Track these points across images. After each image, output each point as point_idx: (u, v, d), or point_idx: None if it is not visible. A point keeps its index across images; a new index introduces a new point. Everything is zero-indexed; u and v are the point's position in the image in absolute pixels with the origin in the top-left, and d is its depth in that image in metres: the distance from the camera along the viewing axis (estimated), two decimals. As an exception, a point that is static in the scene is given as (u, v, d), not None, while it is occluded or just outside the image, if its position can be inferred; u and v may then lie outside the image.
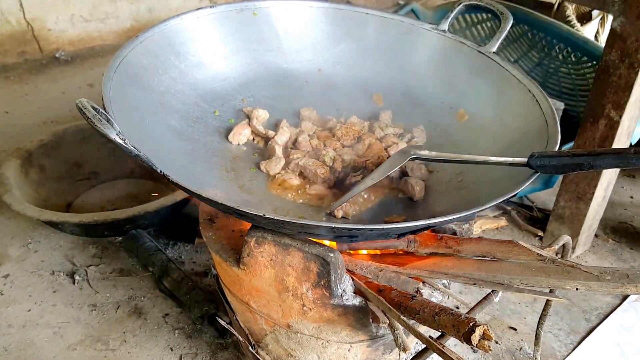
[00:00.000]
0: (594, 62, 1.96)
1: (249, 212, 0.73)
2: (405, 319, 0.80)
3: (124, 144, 0.71)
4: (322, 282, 0.87)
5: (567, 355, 1.42)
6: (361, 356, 1.04)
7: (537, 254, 0.86)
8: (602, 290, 0.77)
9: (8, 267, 1.61)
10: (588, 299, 1.60)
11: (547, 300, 1.24)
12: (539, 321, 1.31)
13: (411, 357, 0.97)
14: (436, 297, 0.92)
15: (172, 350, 1.37)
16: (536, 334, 1.33)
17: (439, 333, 0.81)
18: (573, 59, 2.06)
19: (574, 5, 2.29)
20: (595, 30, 2.37)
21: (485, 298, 0.98)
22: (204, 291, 1.44)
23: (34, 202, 1.63)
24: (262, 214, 0.73)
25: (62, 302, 1.49)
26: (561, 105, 1.89)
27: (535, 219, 1.91)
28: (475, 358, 1.39)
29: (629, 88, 1.39)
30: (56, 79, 2.74)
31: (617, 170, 1.69)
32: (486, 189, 0.93)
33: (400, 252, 1.03)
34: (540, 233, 1.83)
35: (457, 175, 1.04)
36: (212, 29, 1.15)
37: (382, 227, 0.77)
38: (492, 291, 0.97)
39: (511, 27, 1.16)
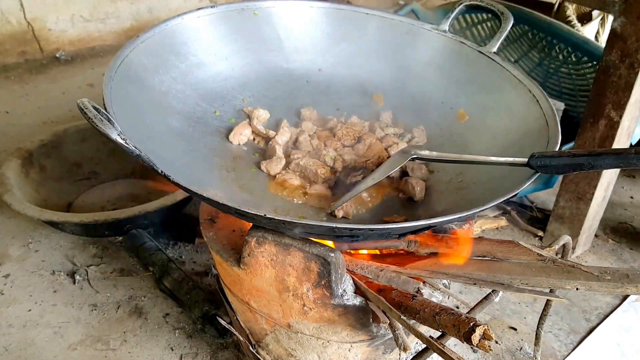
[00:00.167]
0: (595, 63, 1.96)
1: (249, 212, 0.73)
2: (405, 318, 0.80)
3: (125, 144, 0.71)
4: (323, 282, 0.87)
5: (567, 355, 1.42)
6: (361, 356, 1.04)
7: (538, 254, 0.86)
8: (602, 290, 0.78)
9: (8, 266, 1.61)
10: (588, 299, 1.60)
11: (547, 300, 1.24)
12: (539, 321, 1.31)
13: (411, 357, 0.97)
14: (436, 297, 0.92)
15: (172, 350, 1.37)
16: (536, 334, 1.33)
17: (440, 333, 0.80)
18: (573, 59, 2.06)
19: (574, 6, 2.29)
20: (596, 31, 2.37)
21: (485, 298, 0.98)
22: (205, 291, 1.44)
23: (35, 202, 1.64)
24: (262, 214, 0.73)
25: (63, 301, 1.49)
26: (561, 106, 1.89)
27: (535, 219, 1.91)
28: (475, 358, 1.39)
29: (629, 88, 1.39)
30: (56, 79, 2.74)
31: (617, 170, 1.69)
32: (486, 189, 0.93)
33: (401, 252, 1.03)
34: (540, 233, 1.83)
35: (457, 175, 1.04)
36: (212, 29, 1.15)
37: (382, 227, 0.77)
38: (493, 291, 0.97)
39: (511, 27, 1.16)
